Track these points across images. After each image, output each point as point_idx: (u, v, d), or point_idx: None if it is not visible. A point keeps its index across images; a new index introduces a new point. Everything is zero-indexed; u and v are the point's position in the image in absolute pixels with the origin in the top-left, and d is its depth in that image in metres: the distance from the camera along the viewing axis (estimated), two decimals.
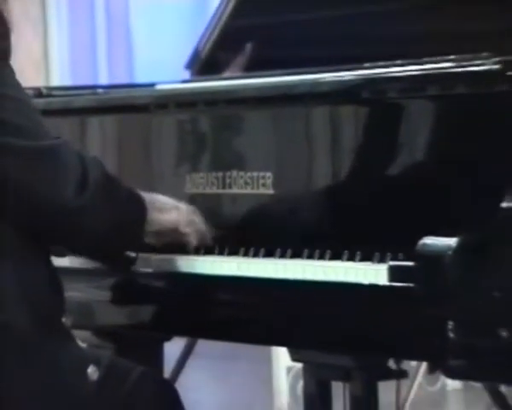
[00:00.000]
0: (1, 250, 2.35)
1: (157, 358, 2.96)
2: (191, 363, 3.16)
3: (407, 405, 2.91)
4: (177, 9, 6.81)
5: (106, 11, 7.21)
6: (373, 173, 2.45)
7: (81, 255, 2.53)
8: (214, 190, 2.65)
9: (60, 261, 2.50)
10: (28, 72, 3.11)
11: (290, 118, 2.60)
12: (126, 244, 2.51)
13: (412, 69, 2.34)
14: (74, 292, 2.60)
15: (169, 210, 2.54)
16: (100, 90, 3.56)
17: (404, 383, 2.81)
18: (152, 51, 6.80)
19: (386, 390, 2.72)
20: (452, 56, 2.27)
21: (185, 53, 3.16)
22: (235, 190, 2.61)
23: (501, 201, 2.11)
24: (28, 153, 2.35)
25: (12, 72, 2.40)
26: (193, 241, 2.55)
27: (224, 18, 3.03)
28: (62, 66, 7.09)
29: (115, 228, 2.47)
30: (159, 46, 6.63)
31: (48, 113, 2.99)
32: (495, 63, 2.18)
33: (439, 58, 2.29)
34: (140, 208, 2.50)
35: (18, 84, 2.41)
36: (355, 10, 3.01)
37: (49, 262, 2.45)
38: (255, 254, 2.49)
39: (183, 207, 2.58)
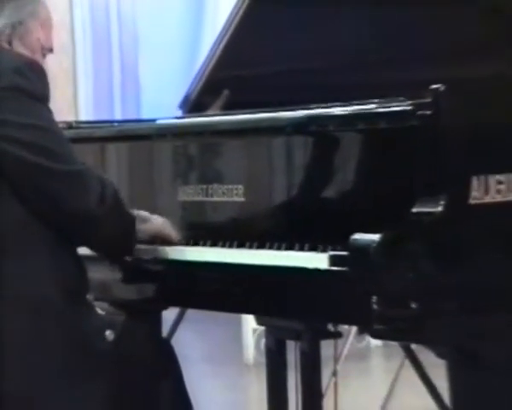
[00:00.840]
0: (41, 245, 2.34)
1: (157, 322, 2.94)
2: (182, 326, 3.13)
3: (342, 357, 2.89)
4: (174, 65, 6.80)
5: (121, 65, 7.19)
6: (317, 187, 2.44)
7: (95, 249, 2.51)
8: (200, 198, 2.63)
9: (84, 250, 2.49)
10: (62, 110, 3.10)
11: (256, 145, 2.60)
12: (126, 242, 2.50)
13: (346, 109, 2.34)
14: (95, 274, 2.58)
15: (147, 221, 2.54)
16: (115, 124, 3.55)
17: (340, 341, 2.78)
18: (155, 95, 6.79)
19: (326, 346, 2.71)
20: (376, 100, 2.26)
21: (179, 96, 3.15)
22: (215, 199, 2.60)
23: (411, 207, 2.12)
24: (60, 174, 2.33)
25: (50, 111, 2.38)
26: (172, 236, 2.55)
27: (207, 72, 3.04)
28: (87, 106, 7.06)
29: (121, 230, 2.46)
30: (160, 91, 6.62)
31: (76, 140, 2.97)
32: (408, 105, 2.17)
33: (366, 101, 2.29)
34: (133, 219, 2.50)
35: (54, 121, 2.39)
36: (305, 65, 3.01)
37: (76, 252, 2.44)
38: (230, 246, 2.48)
39: (156, 217, 2.58)
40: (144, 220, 2.54)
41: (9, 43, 2.42)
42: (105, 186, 2.39)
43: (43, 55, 2.48)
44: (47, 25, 2.50)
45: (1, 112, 2.29)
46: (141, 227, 2.51)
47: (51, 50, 2.52)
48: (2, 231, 2.31)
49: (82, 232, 2.42)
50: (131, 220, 2.49)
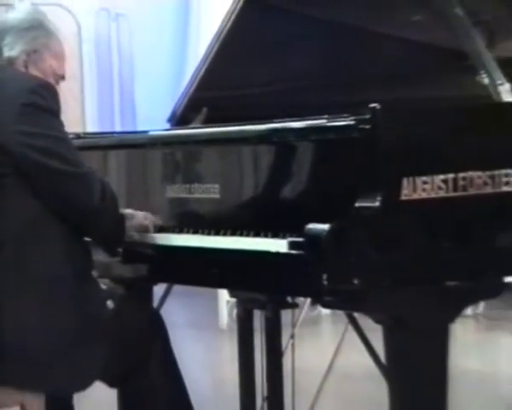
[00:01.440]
0: (55, 234, 2.32)
1: (149, 295, 2.94)
2: (169, 298, 3.12)
3: (298, 323, 2.88)
4: (162, 89, 6.78)
5: (120, 89, 7.21)
6: (278, 187, 2.43)
7: (94, 239, 2.50)
8: (184, 195, 2.62)
9: None
10: (72, 124, 3.09)
11: (229, 152, 2.59)
12: (119, 234, 2.47)
13: (302, 123, 2.33)
14: (99, 256, 2.57)
15: (131, 218, 2.51)
16: (115, 135, 3.53)
17: (296, 310, 2.78)
18: (147, 112, 6.76)
19: (285, 315, 2.71)
20: (326, 116, 2.26)
21: (167, 113, 3.14)
22: (196, 195, 2.58)
23: (354, 203, 2.12)
24: (70, 175, 2.31)
25: (61, 124, 2.36)
26: (150, 229, 2.54)
27: (189, 94, 3.03)
28: (93, 121, 7.05)
29: (115, 224, 2.44)
30: (151, 109, 6.58)
31: (84, 148, 2.95)
32: (351, 120, 2.17)
33: (318, 117, 2.28)
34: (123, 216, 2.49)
35: (65, 131, 2.37)
36: (268, 89, 3.02)
37: (83, 239, 2.43)
38: (208, 233, 2.46)
39: (137, 213, 2.55)
40: (130, 218, 2.51)
41: (25, 67, 2.39)
42: (104, 186, 2.38)
43: (57, 82, 2.45)
44: (59, 56, 2.47)
45: (22, 124, 2.27)
46: (127, 224, 2.49)
47: (63, 78, 2.49)
48: (22, 223, 2.30)
49: (85, 224, 2.39)
50: (122, 217, 2.47)
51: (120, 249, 2.54)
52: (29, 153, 2.26)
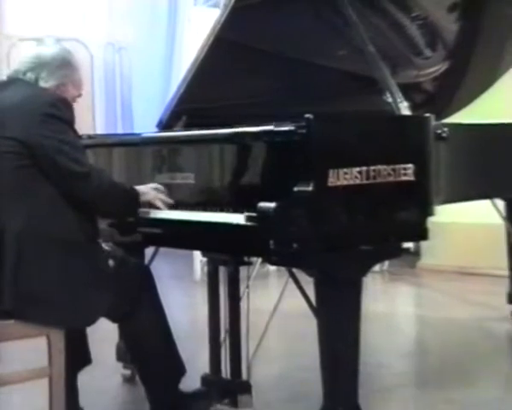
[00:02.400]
0: (71, 210, 2.29)
1: (141, 255, 2.91)
2: (157, 257, 3.09)
3: (252, 277, 2.87)
4: (153, 102, 6.69)
5: (121, 101, 7.13)
6: (238, 176, 2.41)
7: (107, 216, 2.52)
8: (168, 181, 2.57)
9: None
10: (85, 128, 3.05)
11: (201, 149, 2.56)
12: (129, 209, 2.45)
13: (256, 128, 2.31)
14: (104, 225, 2.55)
15: (145, 193, 2.47)
16: (118, 136, 3.49)
17: (251, 267, 2.75)
18: (142, 120, 6.68)
19: (243, 270, 2.68)
20: (274, 123, 2.24)
21: (156, 120, 3.09)
22: (177, 181, 2.55)
23: (293, 187, 2.12)
24: (73, 171, 2.27)
25: (75, 131, 2.33)
26: (160, 206, 2.47)
27: (172, 105, 2.99)
28: (101, 125, 6.96)
29: (120, 203, 2.42)
30: (144, 117, 6.46)
31: (93, 146, 2.93)
32: (292, 126, 2.16)
33: (268, 123, 2.27)
34: (134, 196, 2.43)
35: (76, 137, 2.35)
36: (232, 102, 2.99)
37: (93, 212, 2.40)
38: (186, 209, 2.45)
39: (150, 188, 2.49)
40: (143, 194, 2.45)
41: (53, 91, 2.36)
42: (102, 177, 2.34)
43: (74, 100, 2.42)
44: (78, 86, 2.44)
45: (41, 128, 2.24)
46: (141, 199, 2.44)
47: (80, 95, 2.46)
48: (46, 202, 2.26)
49: (93, 205, 2.36)
50: (136, 194, 2.42)
51: (132, 219, 2.49)
52: (43, 150, 2.23)
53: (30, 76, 2.34)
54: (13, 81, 2.37)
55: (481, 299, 4.44)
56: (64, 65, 2.38)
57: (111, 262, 2.39)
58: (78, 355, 2.53)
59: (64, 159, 2.24)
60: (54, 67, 2.35)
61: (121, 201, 2.42)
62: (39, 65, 2.35)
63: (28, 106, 2.27)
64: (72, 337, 2.37)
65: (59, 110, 2.27)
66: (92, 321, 2.35)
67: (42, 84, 2.35)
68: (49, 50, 2.39)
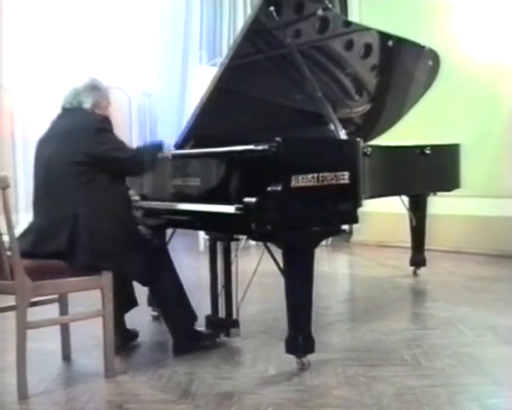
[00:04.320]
0: (118, 190, 2.30)
1: (163, 234, 2.85)
2: (174, 236, 3.05)
3: (239, 249, 2.80)
4: (171, 130, 6.58)
5: (150, 130, 7.01)
6: (228, 181, 2.37)
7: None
8: (181, 183, 2.55)
9: None
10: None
11: (204, 162, 2.51)
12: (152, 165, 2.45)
13: (240, 148, 2.27)
14: (138, 214, 2.51)
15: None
16: None
17: (239, 242, 2.71)
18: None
19: (233, 245, 2.64)
20: (253, 144, 2.20)
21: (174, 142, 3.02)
22: (187, 183, 2.52)
23: (267, 187, 2.09)
24: (123, 159, 2.29)
25: (115, 134, 2.33)
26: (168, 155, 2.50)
27: (184, 133, 2.91)
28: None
29: (149, 164, 2.43)
30: (166, 141, 6.39)
31: None
32: (266, 146, 2.15)
33: (249, 145, 2.23)
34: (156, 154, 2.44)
35: (118, 137, 2.33)
36: (227, 130, 2.94)
37: (128, 193, 2.42)
38: (193, 202, 2.41)
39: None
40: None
41: (93, 110, 2.35)
42: (140, 154, 2.38)
43: (106, 108, 2.39)
44: (106, 96, 2.40)
45: (97, 138, 2.24)
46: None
47: (109, 104, 2.42)
48: (101, 188, 2.24)
49: (134, 174, 2.45)
50: (156, 153, 2.44)
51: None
52: (102, 152, 2.23)
53: (74, 103, 2.33)
54: (65, 111, 2.36)
55: (392, 263, 4.48)
56: (95, 89, 2.37)
57: (142, 228, 2.40)
58: (127, 300, 2.53)
59: (116, 153, 2.26)
60: (88, 91, 2.35)
61: (154, 160, 2.43)
62: (77, 93, 2.34)
63: (84, 126, 2.26)
64: (124, 287, 2.35)
65: (104, 124, 2.29)
66: (133, 270, 2.30)
67: (84, 106, 2.33)
68: (80, 82, 2.38)
